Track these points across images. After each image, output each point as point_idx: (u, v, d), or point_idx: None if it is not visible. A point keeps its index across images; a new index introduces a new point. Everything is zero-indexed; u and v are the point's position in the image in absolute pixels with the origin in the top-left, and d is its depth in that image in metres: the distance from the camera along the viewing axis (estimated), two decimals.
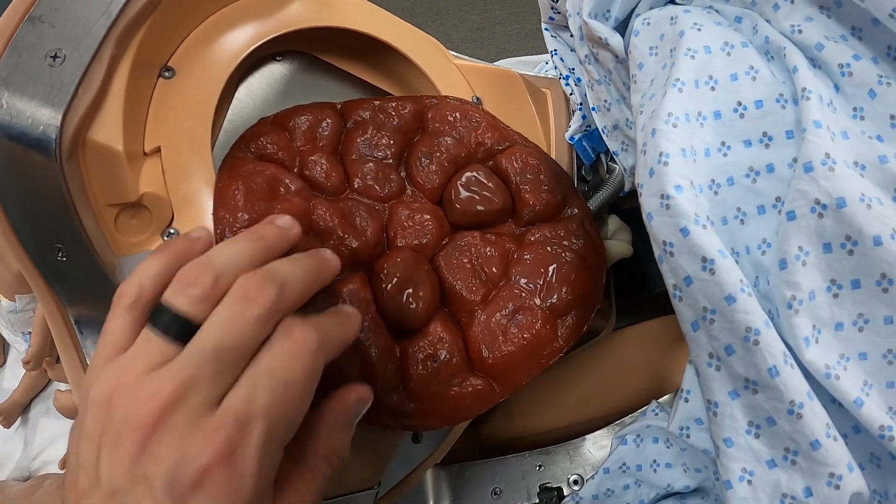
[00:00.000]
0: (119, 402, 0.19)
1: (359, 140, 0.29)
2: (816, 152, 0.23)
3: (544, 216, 0.29)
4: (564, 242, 0.28)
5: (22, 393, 0.49)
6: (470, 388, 0.26)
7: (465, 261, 0.28)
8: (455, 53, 0.34)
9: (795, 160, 0.24)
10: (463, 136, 0.30)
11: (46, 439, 0.48)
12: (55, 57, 0.23)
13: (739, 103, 0.25)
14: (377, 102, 0.31)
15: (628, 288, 0.36)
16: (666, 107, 0.25)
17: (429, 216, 0.28)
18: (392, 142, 0.30)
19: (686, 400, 0.27)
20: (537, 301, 0.27)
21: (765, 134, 0.25)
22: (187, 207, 0.26)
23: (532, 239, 0.29)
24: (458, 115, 0.31)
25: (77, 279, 0.25)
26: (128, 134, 0.25)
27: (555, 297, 0.27)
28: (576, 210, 0.30)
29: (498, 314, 0.27)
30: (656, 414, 0.29)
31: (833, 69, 0.25)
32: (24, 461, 0.48)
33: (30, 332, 0.51)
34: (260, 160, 0.28)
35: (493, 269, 0.28)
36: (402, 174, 0.30)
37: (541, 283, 0.27)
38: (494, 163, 0.30)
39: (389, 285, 0.26)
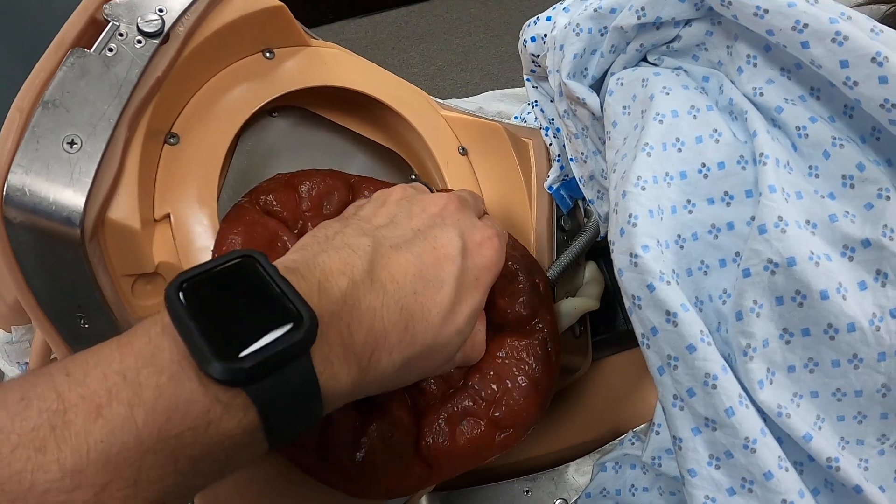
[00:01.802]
0: (408, 199, 0.27)
1: None
2: (770, 215, 0.25)
3: (513, 325, 0.31)
4: (523, 365, 0.30)
5: None
6: (412, 469, 0.28)
7: None
8: (441, 102, 0.36)
9: (753, 218, 0.27)
10: None
11: None
12: (72, 143, 0.25)
13: (704, 164, 0.28)
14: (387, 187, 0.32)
15: (604, 326, 0.38)
16: (636, 170, 0.27)
17: None
18: None
19: (657, 433, 0.29)
20: (484, 410, 0.29)
21: (726, 193, 0.27)
22: None
23: (493, 353, 0.30)
24: None
25: (98, 343, 0.27)
26: (141, 206, 0.27)
27: (500, 412, 0.29)
28: (544, 328, 0.31)
29: (450, 412, 0.29)
30: (632, 443, 0.32)
31: (791, 131, 0.28)
32: None
33: (26, 363, 0.51)
34: (266, 215, 0.30)
35: (452, 370, 0.30)
36: None
37: (491, 396, 0.29)
38: None
39: None
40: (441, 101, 0.38)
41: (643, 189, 0.27)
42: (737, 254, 0.27)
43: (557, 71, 0.32)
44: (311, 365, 0.19)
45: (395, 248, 0.24)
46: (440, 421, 0.29)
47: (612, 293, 0.37)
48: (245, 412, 0.17)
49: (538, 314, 0.31)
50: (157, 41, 0.27)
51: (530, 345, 0.30)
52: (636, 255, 0.26)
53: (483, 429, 0.29)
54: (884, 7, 0.44)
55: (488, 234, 0.27)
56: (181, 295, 0.18)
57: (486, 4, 1.61)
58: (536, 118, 0.36)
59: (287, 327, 0.18)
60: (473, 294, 0.26)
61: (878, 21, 0.43)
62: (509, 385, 0.29)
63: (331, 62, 0.34)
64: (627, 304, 0.27)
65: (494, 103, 0.50)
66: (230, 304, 0.18)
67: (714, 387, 0.25)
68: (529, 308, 0.31)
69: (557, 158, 0.34)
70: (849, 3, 0.46)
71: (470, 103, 0.51)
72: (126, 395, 0.16)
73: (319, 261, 0.22)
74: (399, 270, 0.23)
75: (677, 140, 0.28)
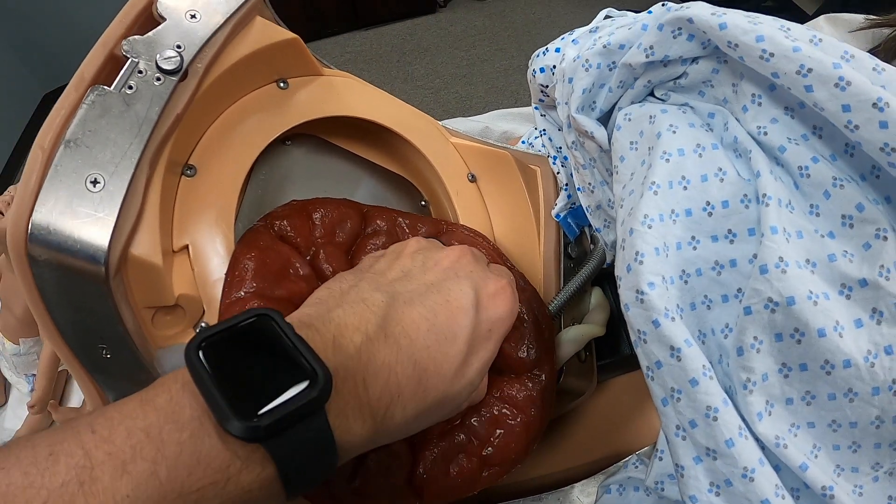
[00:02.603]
0: (423, 252, 0.27)
1: (370, 247, 0.32)
2: (771, 256, 0.26)
3: (513, 370, 0.32)
4: (520, 411, 0.31)
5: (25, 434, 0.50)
6: (402, 498, 0.29)
7: None
8: (451, 129, 0.37)
9: (755, 256, 0.28)
10: None
11: None
12: (95, 182, 0.26)
13: (708, 203, 0.28)
14: (398, 217, 0.33)
15: (608, 350, 0.39)
16: (643, 208, 0.28)
17: None
18: None
19: (660, 458, 0.30)
20: (477, 448, 0.30)
21: (730, 231, 0.28)
22: (216, 303, 0.29)
23: (493, 394, 0.31)
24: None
25: (119, 372, 0.28)
26: (161, 239, 0.28)
27: (490, 450, 0.30)
28: (542, 376, 0.32)
29: (445, 447, 0.30)
30: (636, 466, 0.33)
31: (793, 170, 0.28)
32: None
33: (33, 375, 0.52)
34: (279, 240, 0.31)
35: None
36: None
37: (486, 436, 0.30)
38: None
39: None
40: (447, 120, 0.38)
41: (649, 227, 0.27)
42: (739, 290, 0.28)
43: (566, 103, 0.33)
44: (327, 420, 0.19)
45: (409, 302, 0.24)
46: (435, 454, 0.30)
47: (617, 318, 0.37)
48: (263, 466, 0.18)
49: (540, 362, 0.32)
50: (175, 78, 0.28)
51: (528, 392, 0.31)
52: (642, 292, 0.27)
53: (473, 465, 0.30)
54: (886, 31, 0.45)
55: (502, 285, 0.27)
56: (200, 353, 0.19)
57: (491, 18, 1.61)
58: (544, 145, 0.36)
59: (303, 385, 0.19)
60: (486, 346, 0.26)
61: (879, 44, 0.44)
62: (504, 429, 0.30)
63: (343, 91, 0.34)
64: (633, 337, 0.28)
65: (500, 122, 0.50)
66: (248, 363, 0.19)
67: (715, 419, 0.26)
68: (533, 355, 0.32)
69: (565, 187, 0.35)
70: (849, 27, 0.47)
71: (476, 122, 0.51)
72: (150, 452, 0.17)
73: (334, 315, 0.22)
74: (412, 325, 0.23)
75: (683, 178, 0.29)
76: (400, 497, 0.29)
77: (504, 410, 0.31)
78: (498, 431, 0.30)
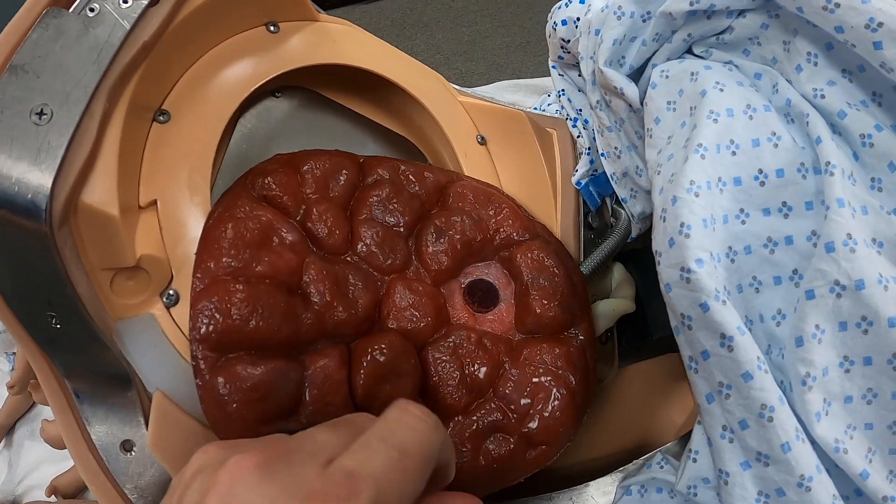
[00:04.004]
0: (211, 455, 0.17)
1: (373, 200, 0.27)
2: (838, 232, 0.23)
3: (548, 329, 0.28)
4: (560, 373, 0.27)
5: (6, 415, 0.48)
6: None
7: (456, 365, 0.26)
8: (459, 88, 0.33)
9: (814, 233, 0.24)
10: (482, 220, 0.29)
11: (32, 462, 0.47)
12: (41, 114, 0.21)
13: (760, 171, 0.25)
14: (402, 165, 0.29)
15: (632, 333, 0.36)
16: (688, 174, 0.24)
17: (429, 303, 0.27)
18: (407, 209, 0.28)
19: (694, 460, 0.27)
20: (515, 424, 0.26)
21: (784, 204, 0.25)
22: (187, 268, 0.24)
23: (528, 360, 0.27)
24: (481, 196, 0.29)
25: (72, 345, 0.24)
26: (122, 189, 0.24)
27: (534, 425, 0.26)
28: (580, 335, 0.28)
29: (474, 427, 0.26)
30: (661, 467, 0.29)
31: (854, 139, 0.25)
32: (9, 485, 0.47)
33: (13, 353, 0.49)
34: (262, 200, 0.26)
35: (481, 377, 0.26)
36: (411, 246, 0.28)
37: (523, 409, 0.26)
38: (510, 255, 0.29)
39: (369, 372, 0.24)
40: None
41: (696, 196, 0.24)
42: (794, 271, 0.25)
43: (591, 58, 0.29)
44: None
45: None
46: (465, 436, 0.26)
47: (641, 299, 0.34)
48: None
49: (576, 320, 0.28)
50: (145, 1, 0.24)
51: (567, 353, 0.27)
52: (689, 270, 0.23)
53: (512, 446, 0.26)
54: None
55: None
56: None
57: None
58: (563, 107, 0.33)
59: None
60: None
61: None
62: (544, 397, 0.26)
63: (340, 39, 0.30)
64: (674, 322, 0.24)
65: (507, 94, 0.46)
66: None
67: (770, 419, 0.23)
68: (568, 313, 0.28)
69: (587, 152, 0.32)
70: None
71: (480, 93, 0.47)
72: None
73: None
74: None
75: (731, 142, 0.25)
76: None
77: (542, 376, 0.26)
78: (538, 400, 0.26)
